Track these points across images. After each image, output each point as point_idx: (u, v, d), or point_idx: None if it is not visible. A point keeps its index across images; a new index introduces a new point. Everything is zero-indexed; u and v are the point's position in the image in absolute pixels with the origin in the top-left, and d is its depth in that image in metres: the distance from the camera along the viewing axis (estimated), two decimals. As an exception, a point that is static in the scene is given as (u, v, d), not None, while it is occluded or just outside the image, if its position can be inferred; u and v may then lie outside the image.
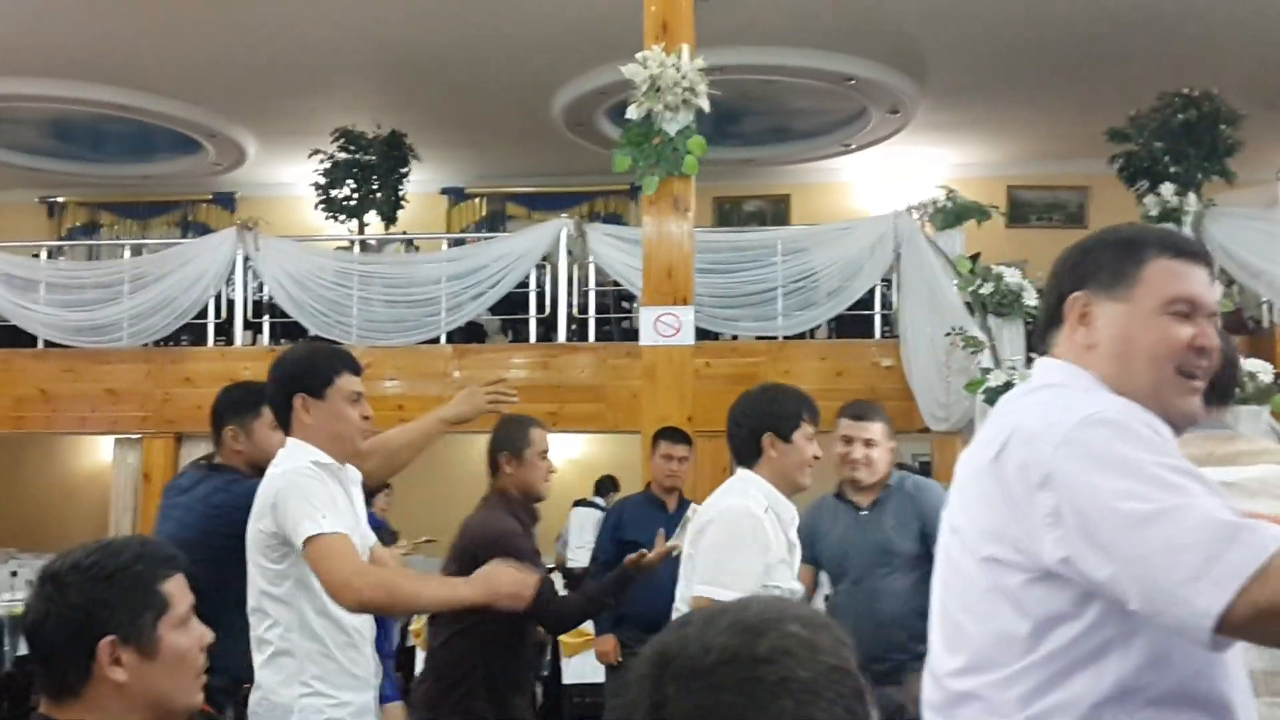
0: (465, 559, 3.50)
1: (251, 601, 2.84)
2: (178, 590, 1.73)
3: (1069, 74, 10.61)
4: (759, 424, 3.19)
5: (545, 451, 3.83)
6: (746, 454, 3.21)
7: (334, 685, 2.78)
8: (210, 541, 3.15)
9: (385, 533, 5.83)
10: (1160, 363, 1.71)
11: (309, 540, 2.69)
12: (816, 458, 3.22)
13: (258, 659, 2.81)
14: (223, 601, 2.97)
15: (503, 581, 2.87)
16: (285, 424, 2.94)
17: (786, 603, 1.02)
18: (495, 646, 3.69)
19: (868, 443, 3.94)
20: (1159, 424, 1.61)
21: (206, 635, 1.78)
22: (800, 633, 0.97)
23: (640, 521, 5.58)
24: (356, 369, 2.98)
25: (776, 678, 0.93)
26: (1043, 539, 1.56)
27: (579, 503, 9.58)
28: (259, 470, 3.13)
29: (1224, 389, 2.74)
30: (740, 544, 3.05)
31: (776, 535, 3.12)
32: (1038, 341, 1.87)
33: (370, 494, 8.16)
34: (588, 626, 5.91)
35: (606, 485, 9.63)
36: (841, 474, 4.05)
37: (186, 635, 1.73)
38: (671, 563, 4.97)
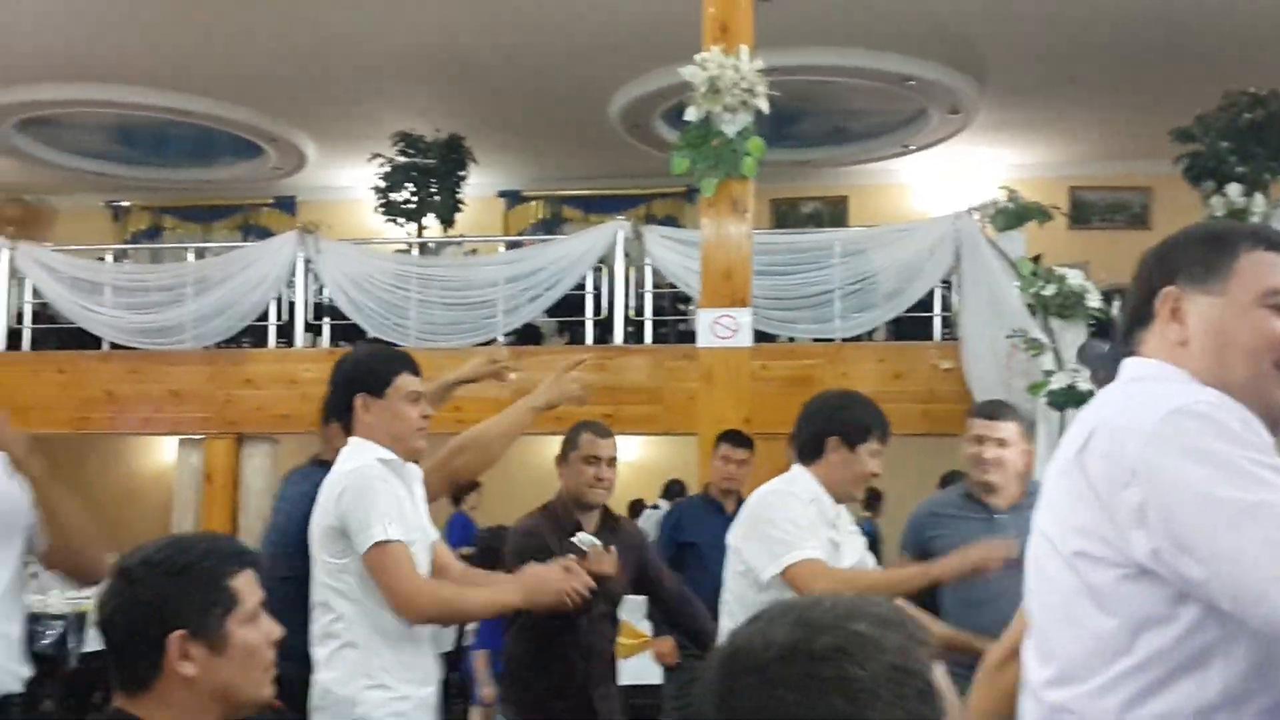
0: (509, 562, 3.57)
1: (316, 595, 2.88)
2: (246, 586, 1.74)
3: (1133, 73, 10.45)
4: (828, 426, 3.18)
5: (593, 457, 3.77)
6: (807, 451, 3.20)
7: (396, 678, 2.81)
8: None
9: (491, 534, 5.88)
10: (1257, 357, 1.63)
11: (373, 546, 2.74)
12: (874, 474, 3.20)
13: (321, 652, 2.84)
14: None
15: (539, 582, 2.95)
16: (348, 425, 3.00)
17: (863, 601, 1.00)
18: (520, 646, 3.71)
19: (1000, 443, 3.81)
20: (1253, 419, 1.54)
21: (275, 630, 1.79)
22: (864, 631, 0.95)
23: (698, 524, 5.57)
24: (415, 369, 3.03)
25: (832, 675, 0.92)
26: (1130, 535, 1.51)
27: (636, 505, 9.58)
28: None
29: None
30: (794, 506, 3.08)
31: (818, 528, 3.11)
32: (1120, 341, 1.80)
33: (460, 493, 8.25)
34: (645, 627, 5.90)
35: (674, 489, 9.60)
36: (973, 475, 3.95)
37: (255, 630, 1.74)
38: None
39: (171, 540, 1.76)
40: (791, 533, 3.03)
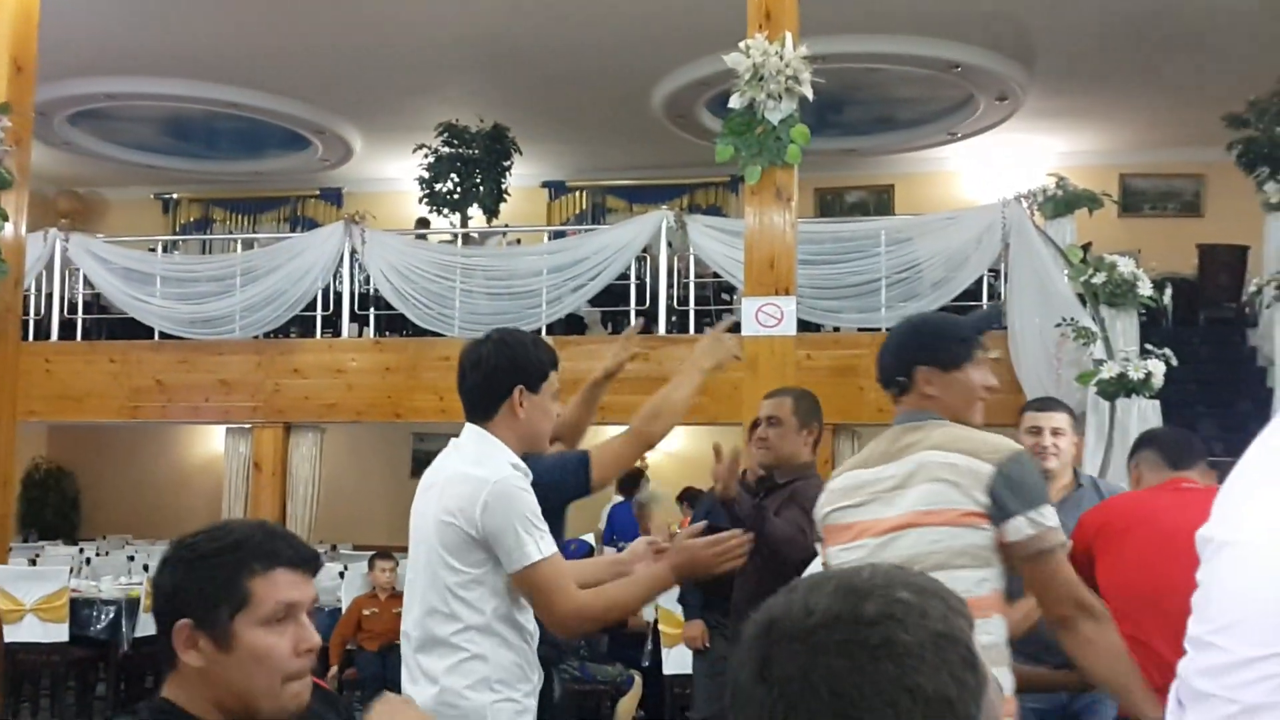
0: None
1: (435, 600, 2.70)
2: (268, 587, 1.61)
3: (1184, 58, 10.28)
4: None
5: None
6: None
7: (518, 691, 2.72)
8: None
9: None
10: None
11: (532, 566, 2.60)
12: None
13: (439, 661, 2.69)
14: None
15: (690, 558, 2.73)
16: (486, 412, 2.76)
17: (901, 570, 1.00)
18: None
19: (1055, 431, 3.87)
20: None
21: (305, 640, 1.64)
22: (908, 598, 0.95)
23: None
24: (558, 366, 2.88)
25: (879, 641, 0.92)
26: None
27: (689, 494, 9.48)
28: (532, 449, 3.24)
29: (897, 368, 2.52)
30: None
31: None
32: None
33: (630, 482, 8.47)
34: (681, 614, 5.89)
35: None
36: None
37: (273, 635, 1.61)
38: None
39: (216, 525, 1.68)
40: None
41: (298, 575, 1.64)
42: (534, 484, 2.92)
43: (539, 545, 2.60)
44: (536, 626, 2.80)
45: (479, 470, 2.66)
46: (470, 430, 2.77)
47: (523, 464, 2.73)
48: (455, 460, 2.75)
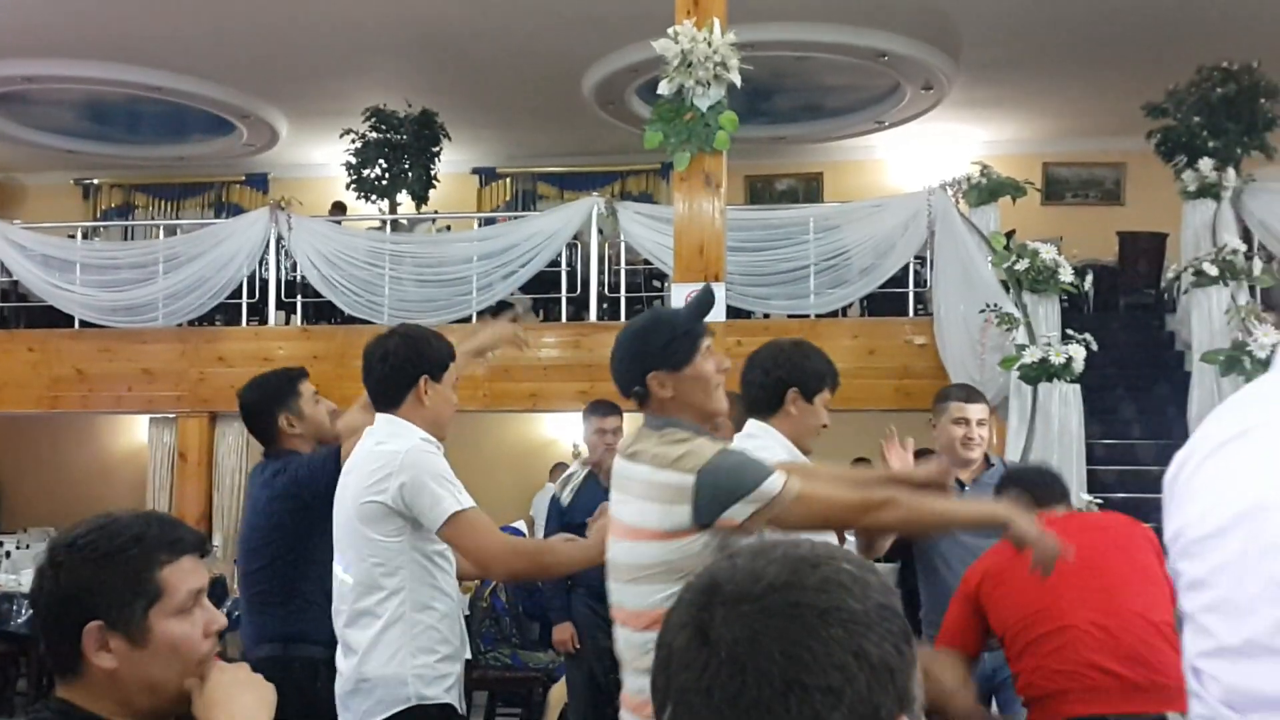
0: None
1: (358, 574, 2.86)
2: (178, 575, 1.61)
3: (1106, 49, 10.48)
4: (787, 377, 3.09)
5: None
6: (764, 405, 3.09)
7: (438, 656, 2.84)
8: (281, 523, 3.44)
9: None
10: None
11: (453, 517, 2.75)
12: (825, 426, 3.12)
13: (362, 633, 2.84)
14: (304, 577, 3.31)
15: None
16: (394, 400, 2.95)
17: (836, 546, 1.04)
18: None
19: (980, 422, 4.00)
20: None
21: (214, 622, 1.65)
22: (852, 570, 0.98)
23: (586, 502, 5.10)
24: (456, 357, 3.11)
25: (828, 605, 0.94)
26: None
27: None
28: (322, 442, 3.47)
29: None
30: (781, 455, 2.98)
31: None
32: None
33: None
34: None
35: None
36: (959, 455, 4.03)
37: (185, 623, 1.61)
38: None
39: (103, 522, 1.63)
40: None
41: (196, 560, 1.66)
42: (293, 479, 3.40)
43: (457, 498, 2.77)
44: (459, 595, 3.00)
45: (389, 445, 2.86)
46: (380, 418, 2.98)
47: (433, 438, 2.92)
48: (368, 443, 2.94)
